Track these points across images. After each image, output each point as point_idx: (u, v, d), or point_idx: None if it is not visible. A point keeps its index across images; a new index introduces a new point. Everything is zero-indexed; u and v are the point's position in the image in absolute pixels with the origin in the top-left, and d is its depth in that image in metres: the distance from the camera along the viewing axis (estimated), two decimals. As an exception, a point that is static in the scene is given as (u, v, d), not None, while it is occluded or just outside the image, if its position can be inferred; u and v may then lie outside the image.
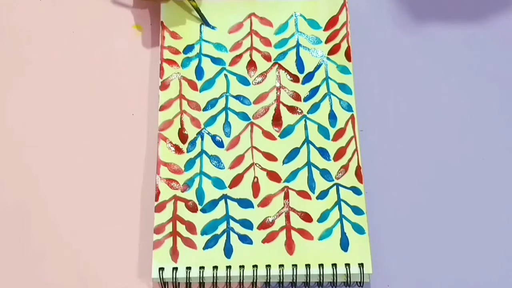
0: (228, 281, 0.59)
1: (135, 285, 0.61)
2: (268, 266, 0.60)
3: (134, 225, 0.62)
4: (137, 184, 0.64)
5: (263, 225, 0.61)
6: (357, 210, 0.61)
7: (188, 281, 0.59)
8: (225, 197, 0.62)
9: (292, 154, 0.64)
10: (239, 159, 0.64)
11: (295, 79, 0.67)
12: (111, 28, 0.70)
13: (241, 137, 0.64)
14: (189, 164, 0.63)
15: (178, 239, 0.60)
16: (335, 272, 0.59)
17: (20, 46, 0.69)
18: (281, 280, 0.60)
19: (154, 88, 0.67)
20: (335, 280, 0.59)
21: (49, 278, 0.61)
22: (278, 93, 0.66)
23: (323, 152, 0.64)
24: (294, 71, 0.67)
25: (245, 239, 0.61)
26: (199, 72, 0.67)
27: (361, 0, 0.72)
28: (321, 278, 0.59)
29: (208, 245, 0.60)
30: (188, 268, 0.59)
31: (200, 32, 0.69)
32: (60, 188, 0.64)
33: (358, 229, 0.61)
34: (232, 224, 0.61)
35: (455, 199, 0.64)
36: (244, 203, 0.62)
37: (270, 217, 0.61)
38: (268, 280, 0.60)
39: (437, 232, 0.63)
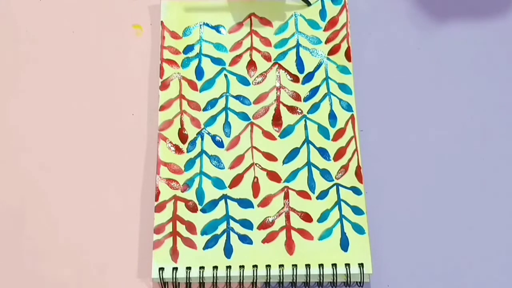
0: (228, 281, 0.59)
1: (135, 285, 0.61)
2: (268, 266, 0.60)
3: (134, 225, 0.62)
4: (137, 184, 0.64)
5: (263, 225, 0.61)
6: (357, 210, 0.61)
7: (188, 281, 0.59)
8: (225, 197, 0.62)
9: (292, 154, 0.64)
10: (239, 159, 0.64)
11: (295, 79, 0.67)
12: (111, 28, 0.70)
13: (241, 137, 0.64)
14: (189, 164, 0.63)
15: (178, 239, 0.60)
16: (335, 272, 0.59)
17: (19, 46, 0.69)
18: (281, 280, 0.60)
19: (154, 88, 0.67)
20: (335, 280, 0.59)
21: (49, 278, 0.61)
22: (278, 93, 0.66)
23: (323, 152, 0.64)
24: (294, 71, 0.67)
25: (245, 239, 0.61)
26: (199, 72, 0.67)
27: (362, 0, 0.72)
28: (321, 278, 0.59)
29: (208, 245, 0.60)
30: (188, 268, 0.59)
31: (200, 32, 0.69)
32: (60, 187, 0.64)
33: (358, 229, 0.61)
34: (232, 224, 0.61)
35: (455, 199, 0.64)
36: (244, 203, 0.62)
37: (270, 217, 0.61)
38: (268, 280, 0.60)
39: (437, 232, 0.63)
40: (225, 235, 0.61)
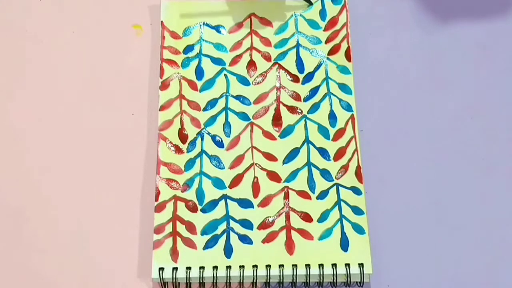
0: (228, 281, 0.59)
1: (135, 285, 0.61)
2: (268, 266, 0.60)
3: (134, 225, 0.62)
4: (137, 184, 0.64)
5: (263, 225, 0.61)
6: (357, 210, 0.61)
7: (188, 281, 0.59)
8: (225, 197, 0.62)
9: (292, 154, 0.64)
10: (239, 159, 0.64)
11: (295, 79, 0.67)
12: (111, 28, 0.70)
13: (241, 137, 0.65)
14: (189, 164, 0.63)
15: (178, 239, 0.60)
16: (335, 272, 0.59)
17: (20, 46, 0.69)
18: (281, 280, 0.60)
19: (154, 88, 0.67)
20: (335, 280, 0.59)
21: (50, 278, 0.61)
22: (278, 93, 0.66)
23: (323, 152, 0.64)
24: (294, 71, 0.67)
25: (245, 239, 0.61)
26: (199, 72, 0.67)
27: (362, 0, 0.72)
28: (321, 278, 0.59)
29: (208, 245, 0.60)
30: (188, 268, 0.59)
31: (200, 32, 0.69)
32: (60, 187, 0.64)
33: (358, 229, 0.61)
34: (232, 224, 0.61)
35: (455, 199, 0.64)
36: (244, 203, 0.62)
37: (270, 217, 0.61)
38: (268, 280, 0.60)
39: (437, 232, 0.63)
40: (225, 235, 0.61)
